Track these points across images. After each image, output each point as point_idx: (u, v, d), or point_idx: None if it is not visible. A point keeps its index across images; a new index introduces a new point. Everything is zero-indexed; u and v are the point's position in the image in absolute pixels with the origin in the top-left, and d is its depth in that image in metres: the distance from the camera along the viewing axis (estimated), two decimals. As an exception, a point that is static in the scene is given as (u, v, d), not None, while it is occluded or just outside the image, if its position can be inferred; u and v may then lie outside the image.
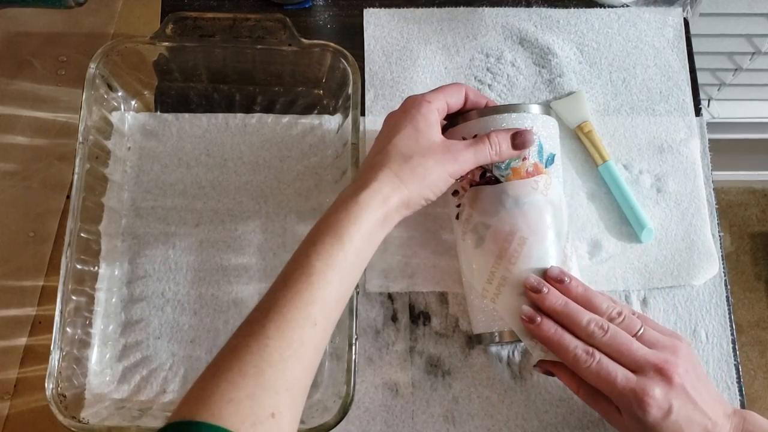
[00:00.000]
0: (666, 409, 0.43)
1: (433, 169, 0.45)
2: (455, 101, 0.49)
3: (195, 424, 0.34)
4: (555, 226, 0.49)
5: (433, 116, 0.47)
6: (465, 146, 0.47)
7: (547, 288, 0.46)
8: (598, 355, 0.44)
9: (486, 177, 0.49)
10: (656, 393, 0.43)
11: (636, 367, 0.44)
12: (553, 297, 0.46)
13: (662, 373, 0.43)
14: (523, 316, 0.47)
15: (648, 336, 0.46)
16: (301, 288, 0.39)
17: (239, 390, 0.36)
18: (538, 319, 0.46)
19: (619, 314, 0.46)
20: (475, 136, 0.49)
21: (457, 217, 0.51)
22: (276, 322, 0.38)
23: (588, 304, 0.46)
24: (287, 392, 0.37)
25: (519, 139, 0.48)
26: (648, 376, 0.43)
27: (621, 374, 0.44)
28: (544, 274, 0.47)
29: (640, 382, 0.43)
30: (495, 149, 0.47)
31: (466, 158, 0.46)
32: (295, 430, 0.38)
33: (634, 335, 0.45)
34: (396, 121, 0.47)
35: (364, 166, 0.46)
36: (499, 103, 0.59)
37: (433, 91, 0.49)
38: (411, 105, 0.47)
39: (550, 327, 0.46)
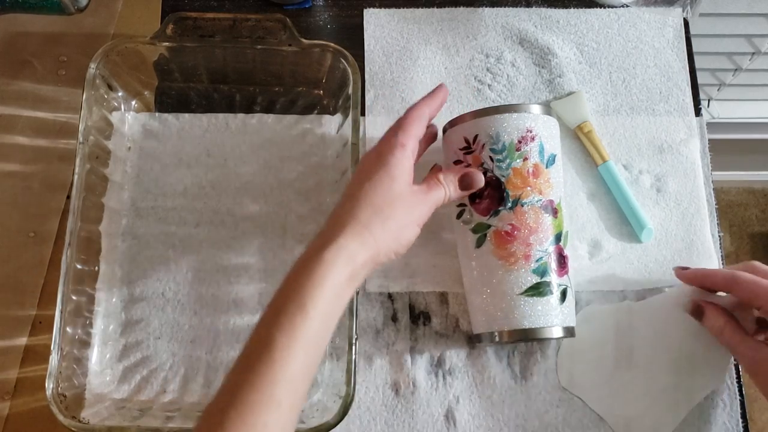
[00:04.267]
0: None
1: (403, 220, 0.44)
2: (422, 132, 0.47)
3: None
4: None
5: (407, 162, 0.45)
6: (426, 191, 0.46)
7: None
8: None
9: (487, 177, 0.49)
10: None
11: None
12: None
13: None
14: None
15: None
16: (263, 369, 0.36)
17: None
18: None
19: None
20: (475, 137, 0.49)
21: (458, 217, 0.51)
22: (237, 408, 0.35)
23: None
24: None
25: (466, 181, 0.48)
26: None
27: None
28: None
29: None
30: (447, 192, 0.47)
31: (429, 204, 0.46)
32: None
33: None
34: (370, 165, 0.45)
35: (332, 214, 0.44)
36: (498, 104, 0.59)
37: (404, 129, 0.46)
38: (386, 149, 0.45)
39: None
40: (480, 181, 0.48)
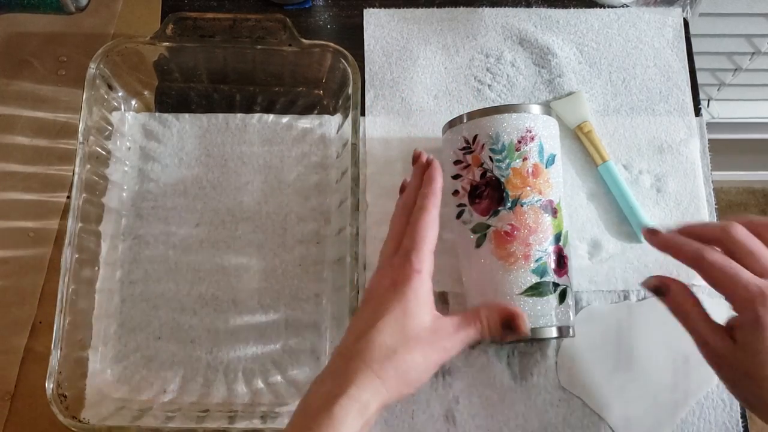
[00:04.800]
0: None
1: (420, 365, 0.40)
2: (435, 239, 0.44)
3: None
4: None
5: (424, 288, 0.41)
6: (454, 329, 0.41)
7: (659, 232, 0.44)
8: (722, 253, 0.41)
9: (486, 177, 0.49)
10: None
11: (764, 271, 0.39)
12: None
13: None
14: (644, 232, 0.45)
15: None
16: None
17: None
18: (662, 232, 0.44)
19: None
20: (475, 137, 0.49)
21: (458, 217, 0.51)
22: None
23: None
24: None
25: (511, 325, 0.43)
26: None
27: (748, 272, 0.39)
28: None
29: None
30: (485, 330, 0.42)
31: (455, 344, 0.41)
32: None
33: None
34: (382, 295, 0.41)
35: (341, 350, 0.40)
36: (498, 104, 0.59)
37: (418, 249, 0.42)
38: (400, 277, 0.41)
39: (672, 236, 0.43)
40: (527, 330, 0.43)
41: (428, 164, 0.48)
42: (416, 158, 0.49)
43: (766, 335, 0.38)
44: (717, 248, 0.42)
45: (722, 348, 0.40)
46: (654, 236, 0.45)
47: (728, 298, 0.41)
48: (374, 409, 0.38)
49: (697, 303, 0.42)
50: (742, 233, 0.41)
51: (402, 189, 0.50)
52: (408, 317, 0.40)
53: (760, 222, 0.42)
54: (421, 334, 0.40)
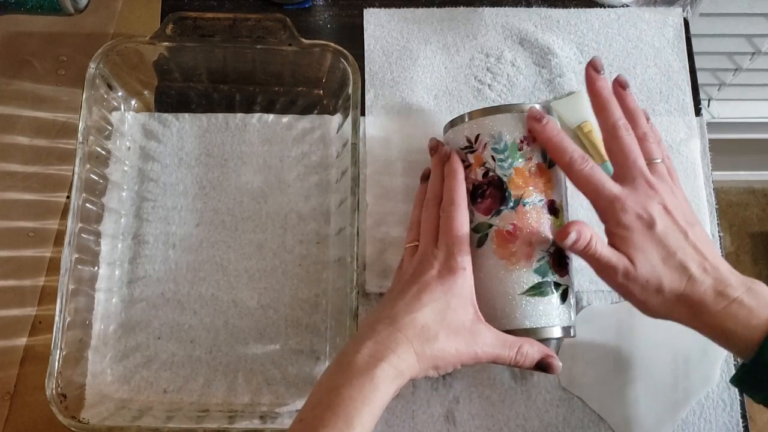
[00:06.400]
0: (647, 218, 0.43)
1: (451, 355, 0.43)
2: (468, 232, 0.47)
3: None
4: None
5: (467, 285, 0.45)
6: (491, 344, 0.44)
7: (546, 119, 0.47)
8: (591, 162, 0.45)
9: (489, 176, 0.49)
10: (641, 199, 0.43)
11: (629, 176, 0.44)
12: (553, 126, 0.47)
13: (651, 187, 0.44)
14: (530, 114, 0.47)
15: (660, 169, 0.46)
16: None
17: None
18: (545, 120, 0.47)
19: (645, 135, 0.47)
20: (477, 136, 0.49)
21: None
22: None
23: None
24: None
25: (545, 362, 0.45)
26: (637, 185, 0.44)
27: (610, 181, 0.44)
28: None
29: (625, 190, 0.44)
30: (519, 360, 0.45)
31: (485, 356, 0.44)
32: None
33: (649, 161, 0.46)
34: (429, 283, 0.44)
35: (382, 321, 0.43)
36: (499, 103, 0.59)
37: (460, 248, 0.45)
38: (446, 270, 0.45)
39: (554, 128, 0.47)
40: (558, 370, 0.46)
41: (447, 157, 0.50)
42: (434, 149, 0.52)
43: (629, 232, 0.43)
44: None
45: (621, 263, 0.43)
46: (538, 123, 0.47)
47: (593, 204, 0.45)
48: (406, 379, 0.41)
49: (596, 232, 0.44)
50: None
51: (423, 177, 0.53)
52: (451, 310, 0.43)
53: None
54: (460, 330, 0.43)
